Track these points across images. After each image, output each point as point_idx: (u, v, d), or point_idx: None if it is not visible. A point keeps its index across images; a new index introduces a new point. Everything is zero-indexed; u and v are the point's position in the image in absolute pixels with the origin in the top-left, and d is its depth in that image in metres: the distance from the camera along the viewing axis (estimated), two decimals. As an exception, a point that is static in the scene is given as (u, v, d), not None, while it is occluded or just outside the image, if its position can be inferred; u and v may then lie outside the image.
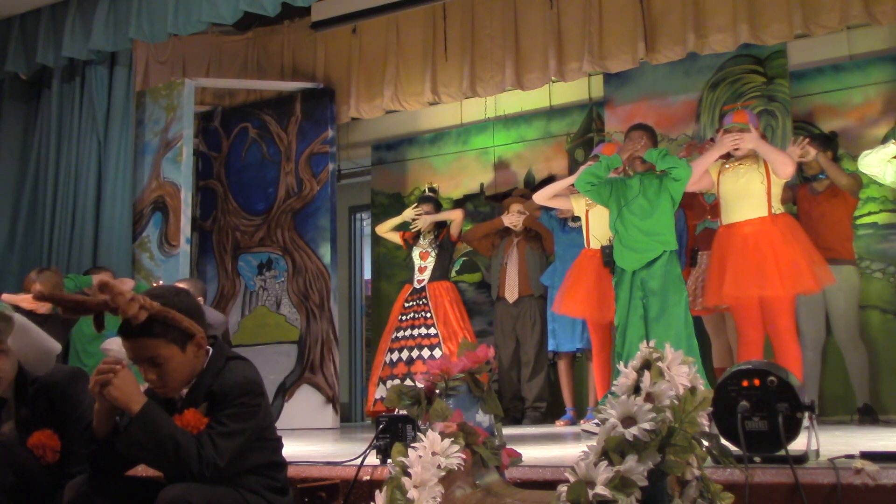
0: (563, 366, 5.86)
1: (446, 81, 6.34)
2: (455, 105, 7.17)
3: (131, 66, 6.44)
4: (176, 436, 2.10)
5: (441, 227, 6.09)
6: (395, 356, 5.79)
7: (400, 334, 5.84)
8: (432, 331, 5.76)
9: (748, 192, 4.39)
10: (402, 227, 6.27)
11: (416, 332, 5.79)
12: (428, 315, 5.83)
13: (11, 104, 6.64)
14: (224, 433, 2.16)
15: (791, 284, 4.25)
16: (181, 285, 5.06)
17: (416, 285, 5.99)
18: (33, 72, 6.53)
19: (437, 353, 5.67)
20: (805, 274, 4.26)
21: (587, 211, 5.07)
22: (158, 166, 6.39)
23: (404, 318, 5.89)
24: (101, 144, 6.36)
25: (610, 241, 4.69)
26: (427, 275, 5.98)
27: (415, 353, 5.71)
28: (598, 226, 4.97)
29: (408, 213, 6.15)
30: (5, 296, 4.90)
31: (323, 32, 6.89)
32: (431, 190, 6.42)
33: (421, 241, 6.10)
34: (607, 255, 4.63)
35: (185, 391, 2.30)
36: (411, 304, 5.93)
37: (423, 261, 6.05)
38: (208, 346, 2.33)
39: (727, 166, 4.50)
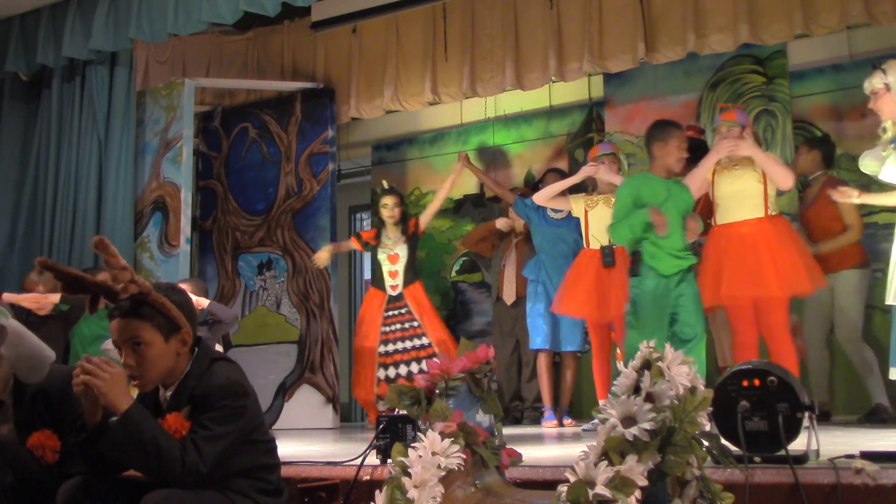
0: (544, 364, 5.57)
1: (446, 81, 6.33)
2: (455, 105, 7.17)
3: (131, 66, 6.43)
4: (159, 440, 2.09)
5: (405, 220, 5.87)
6: (391, 372, 5.60)
7: (390, 348, 5.65)
8: (424, 340, 5.61)
9: (745, 192, 4.39)
10: (356, 235, 6.07)
11: (407, 344, 5.62)
12: (415, 324, 5.66)
13: (11, 104, 6.64)
14: (207, 437, 2.15)
15: (788, 285, 4.27)
16: (182, 285, 5.09)
17: (391, 292, 5.76)
18: (33, 72, 6.53)
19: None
20: (802, 275, 4.28)
21: (586, 211, 5.06)
22: (158, 166, 6.38)
23: (389, 329, 5.68)
24: (101, 144, 6.35)
25: (609, 241, 4.69)
26: (400, 280, 5.75)
27: (413, 367, 5.54)
28: (597, 226, 4.94)
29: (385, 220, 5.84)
30: (6, 295, 4.89)
31: (323, 32, 6.88)
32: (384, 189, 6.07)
33: (385, 240, 5.83)
34: (607, 256, 4.63)
35: (168, 394, 2.29)
36: (393, 313, 5.72)
37: (393, 264, 5.79)
38: (194, 347, 2.32)
39: (723, 167, 4.51)
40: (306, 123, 6.78)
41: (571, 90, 6.78)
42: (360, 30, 6.75)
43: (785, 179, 4.30)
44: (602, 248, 4.76)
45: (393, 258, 5.80)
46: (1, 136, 6.57)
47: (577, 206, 5.11)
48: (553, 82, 6.41)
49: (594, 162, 5.02)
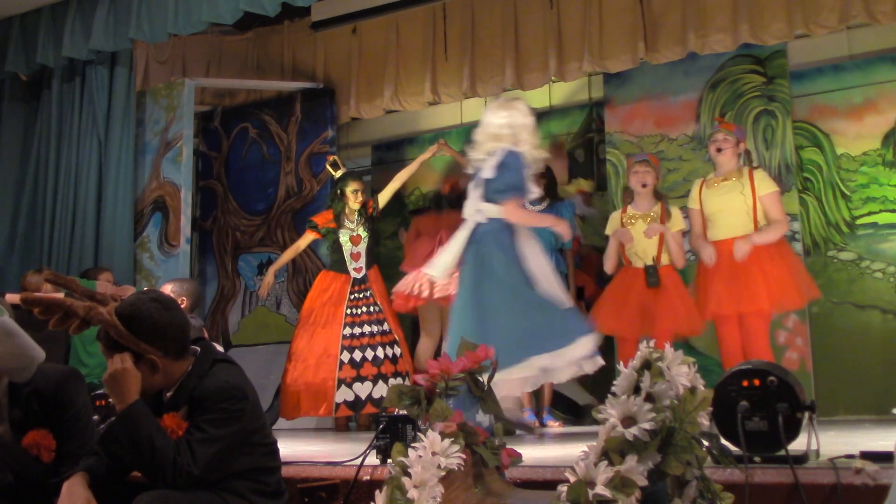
0: None
1: (446, 81, 6.33)
2: (455, 105, 7.16)
3: (131, 66, 6.43)
4: (154, 439, 2.11)
5: (365, 202, 5.75)
6: (356, 355, 5.47)
7: (356, 331, 5.52)
8: (385, 327, 5.54)
9: (731, 208, 4.41)
10: (311, 226, 5.86)
11: (369, 329, 5.52)
12: (377, 309, 5.58)
13: (11, 104, 6.64)
14: (202, 439, 2.17)
15: (778, 301, 4.31)
16: (168, 286, 5.06)
17: (355, 275, 5.65)
18: (33, 72, 6.53)
19: (398, 350, 5.51)
20: (791, 290, 4.30)
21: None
22: (158, 166, 6.39)
23: (356, 311, 5.57)
24: (101, 145, 6.36)
25: (654, 260, 4.59)
26: (363, 262, 5.67)
27: (379, 352, 5.47)
28: (637, 244, 4.69)
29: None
30: (10, 296, 4.89)
31: (323, 32, 6.89)
32: (334, 164, 5.90)
33: (346, 222, 5.71)
34: (652, 276, 4.52)
35: (169, 394, 2.31)
36: (359, 296, 5.61)
37: (356, 245, 5.68)
38: (195, 348, 2.34)
39: (712, 182, 4.53)
40: (306, 123, 6.78)
41: (571, 90, 6.78)
42: (360, 30, 6.75)
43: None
44: (646, 267, 4.58)
45: (356, 240, 5.70)
46: (1, 136, 6.57)
47: (612, 224, 4.86)
48: (553, 82, 6.40)
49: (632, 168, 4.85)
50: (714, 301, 4.33)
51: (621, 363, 1.96)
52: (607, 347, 5.84)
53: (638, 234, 4.68)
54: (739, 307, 4.29)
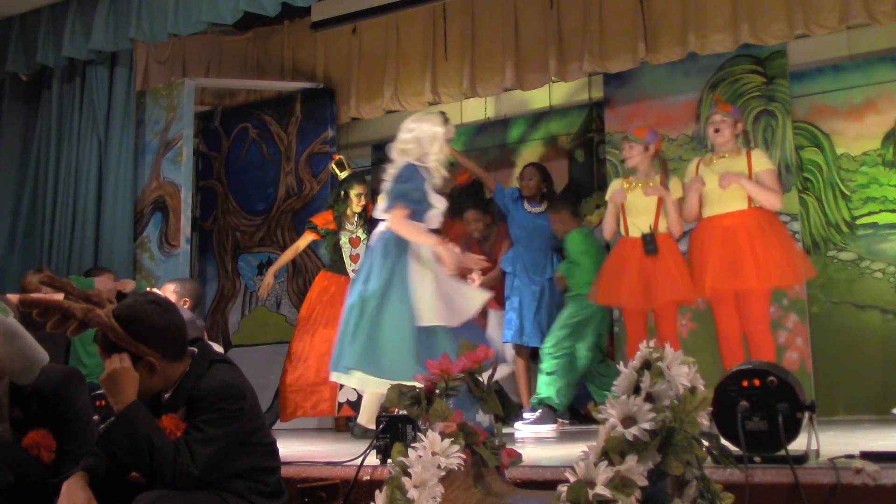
0: (520, 363, 5.41)
1: (446, 81, 6.34)
2: (455, 105, 7.17)
3: (131, 66, 6.43)
4: (153, 439, 2.11)
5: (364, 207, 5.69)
6: None
7: None
8: None
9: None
10: (311, 227, 5.83)
11: None
12: None
13: (11, 104, 6.64)
14: (201, 439, 2.17)
15: (767, 277, 4.25)
16: (170, 286, 5.07)
17: (354, 276, 5.69)
18: (33, 72, 6.53)
19: None
20: (782, 267, 4.26)
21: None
22: (158, 166, 6.39)
23: None
24: (101, 145, 6.36)
25: (651, 228, 4.57)
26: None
27: None
28: (634, 211, 4.67)
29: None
30: (11, 296, 4.89)
31: (323, 32, 6.89)
32: (340, 164, 5.89)
33: (346, 224, 5.67)
34: (650, 243, 4.52)
35: (167, 395, 2.31)
36: None
37: (355, 247, 5.65)
38: (193, 349, 2.34)
39: (710, 159, 4.52)
40: (306, 123, 6.78)
41: (571, 90, 6.78)
42: (360, 30, 6.76)
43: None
44: (644, 235, 4.56)
45: (355, 241, 5.66)
46: (1, 136, 6.57)
47: (612, 189, 4.83)
48: (553, 82, 6.41)
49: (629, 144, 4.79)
50: (710, 276, 4.30)
51: (621, 363, 1.96)
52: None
53: (636, 200, 4.65)
54: (734, 283, 4.27)
